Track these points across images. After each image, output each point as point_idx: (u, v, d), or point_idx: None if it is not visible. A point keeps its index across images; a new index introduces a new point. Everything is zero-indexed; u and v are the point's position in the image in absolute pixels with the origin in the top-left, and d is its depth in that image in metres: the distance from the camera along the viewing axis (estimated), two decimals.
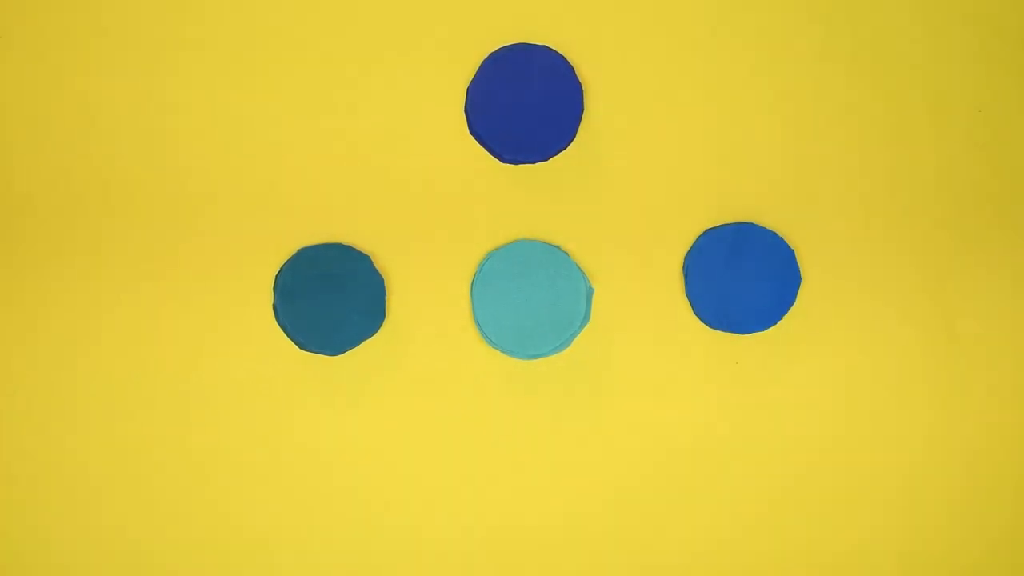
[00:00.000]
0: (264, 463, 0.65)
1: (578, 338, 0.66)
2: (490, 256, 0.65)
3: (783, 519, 0.66)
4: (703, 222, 0.67)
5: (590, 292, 0.65)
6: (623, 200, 0.67)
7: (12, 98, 0.66)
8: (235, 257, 0.65)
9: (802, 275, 0.66)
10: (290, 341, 0.65)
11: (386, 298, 0.65)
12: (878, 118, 0.68)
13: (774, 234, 0.66)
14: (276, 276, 0.65)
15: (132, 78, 0.66)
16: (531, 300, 0.65)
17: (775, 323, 0.66)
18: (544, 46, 0.66)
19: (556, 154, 0.66)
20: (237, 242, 0.65)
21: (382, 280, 0.65)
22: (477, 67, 0.66)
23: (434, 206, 0.66)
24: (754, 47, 0.68)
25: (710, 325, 0.66)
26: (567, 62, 0.66)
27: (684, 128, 0.67)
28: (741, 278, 0.66)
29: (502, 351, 0.65)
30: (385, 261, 0.66)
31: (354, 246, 0.66)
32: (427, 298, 0.65)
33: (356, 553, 0.65)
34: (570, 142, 0.66)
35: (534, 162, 0.66)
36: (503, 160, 0.66)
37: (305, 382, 0.66)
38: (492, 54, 0.66)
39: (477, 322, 0.64)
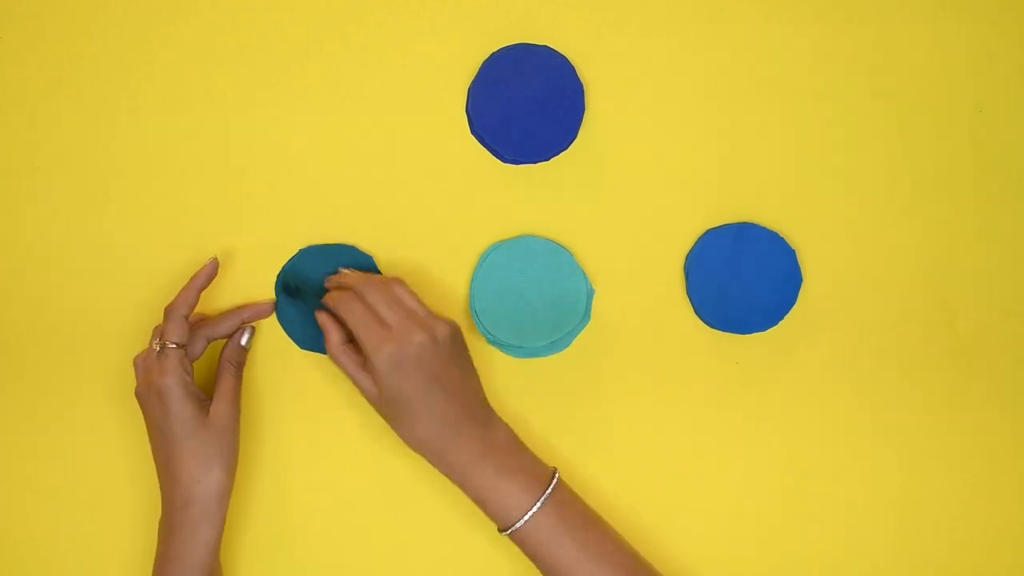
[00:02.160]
0: (264, 462, 0.65)
1: (578, 338, 0.66)
2: (494, 248, 0.65)
3: (783, 518, 0.66)
4: (704, 222, 0.67)
5: (591, 293, 0.65)
6: (623, 200, 0.67)
7: (13, 98, 0.66)
8: (236, 257, 0.65)
9: (803, 275, 0.66)
10: (290, 341, 0.65)
11: None
12: (878, 118, 0.68)
13: (775, 234, 0.66)
14: (277, 276, 0.65)
15: (132, 76, 0.66)
16: (531, 297, 0.65)
17: (775, 323, 0.66)
18: (545, 46, 0.66)
19: (556, 154, 0.66)
20: (238, 242, 0.65)
21: None
22: (478, 67, 0.66)
23: (435, 206, 0.66)
24: (754, 48, 0.68)
25: (711, 325, 0.66)
26: (568, 62, 0.66)
27: (684, 128, 0.67)
28: (742, 278, 0.66)
29: (500, 346, 0.65)
30: (386, 261, 0.66)
31: (356, 246, 0.66)
32: (427, 298, 0.65)
33: (356, 551, 0.65)
34: (570, 142, 0.66)
35: (535, 162, 0.66)
36: (504, 160, 0.66)
37: (305, 382, 0.66)
38: (493, 54, 0.66)
39: (474, 313, 0.65)
